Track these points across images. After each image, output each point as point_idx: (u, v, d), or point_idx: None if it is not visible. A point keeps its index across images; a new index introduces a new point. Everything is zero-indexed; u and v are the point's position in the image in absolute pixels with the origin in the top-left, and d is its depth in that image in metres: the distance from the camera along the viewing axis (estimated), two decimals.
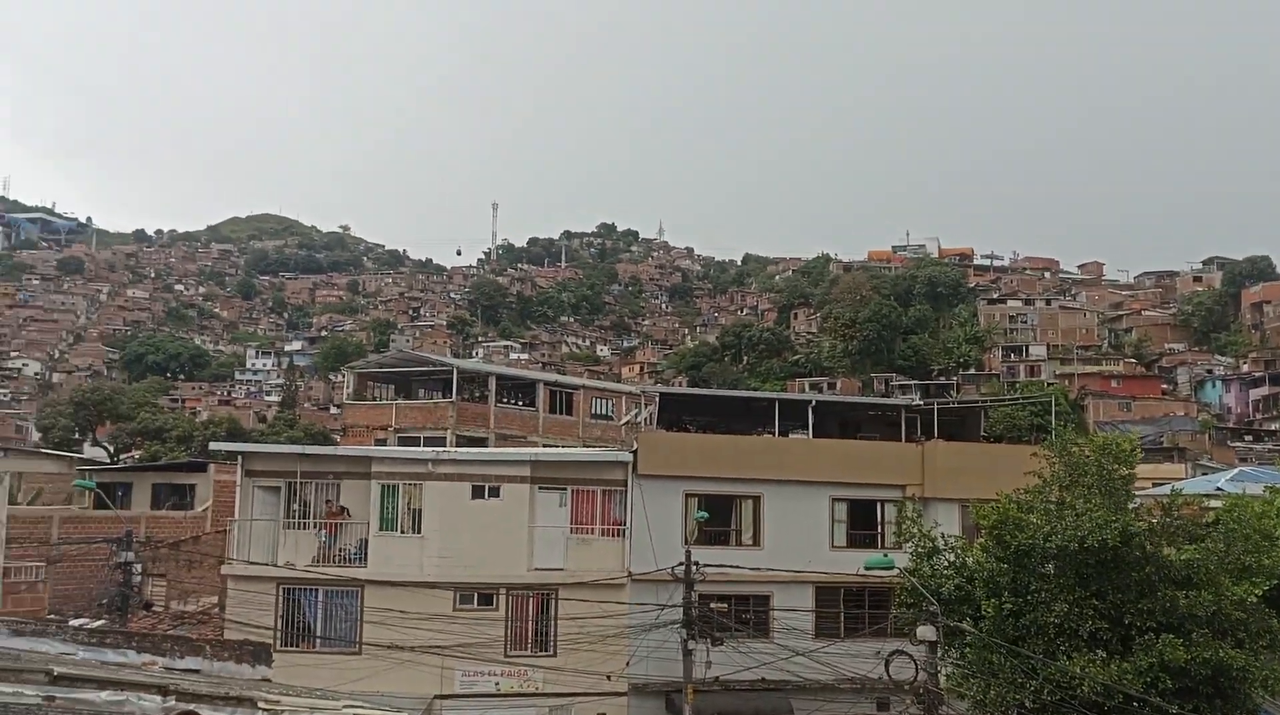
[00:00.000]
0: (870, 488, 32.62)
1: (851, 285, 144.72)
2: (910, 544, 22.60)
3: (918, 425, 39.91)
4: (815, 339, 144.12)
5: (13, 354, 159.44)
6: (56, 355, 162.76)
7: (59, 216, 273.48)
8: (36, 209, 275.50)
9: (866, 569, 22.72)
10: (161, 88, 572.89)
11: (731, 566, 29.45)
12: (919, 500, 29.04)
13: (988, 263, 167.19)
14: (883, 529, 32.19)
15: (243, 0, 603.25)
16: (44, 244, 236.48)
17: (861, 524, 32.78)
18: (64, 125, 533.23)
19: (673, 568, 28.78)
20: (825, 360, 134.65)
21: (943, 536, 22.55)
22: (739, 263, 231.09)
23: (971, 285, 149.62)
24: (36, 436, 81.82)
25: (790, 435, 38.74)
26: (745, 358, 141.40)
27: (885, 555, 23.88)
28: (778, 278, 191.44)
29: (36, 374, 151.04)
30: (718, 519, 32.11)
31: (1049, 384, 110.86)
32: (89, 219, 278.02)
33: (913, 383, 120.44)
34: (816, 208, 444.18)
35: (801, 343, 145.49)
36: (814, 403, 41.21)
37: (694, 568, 28.23)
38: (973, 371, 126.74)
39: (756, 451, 33.64)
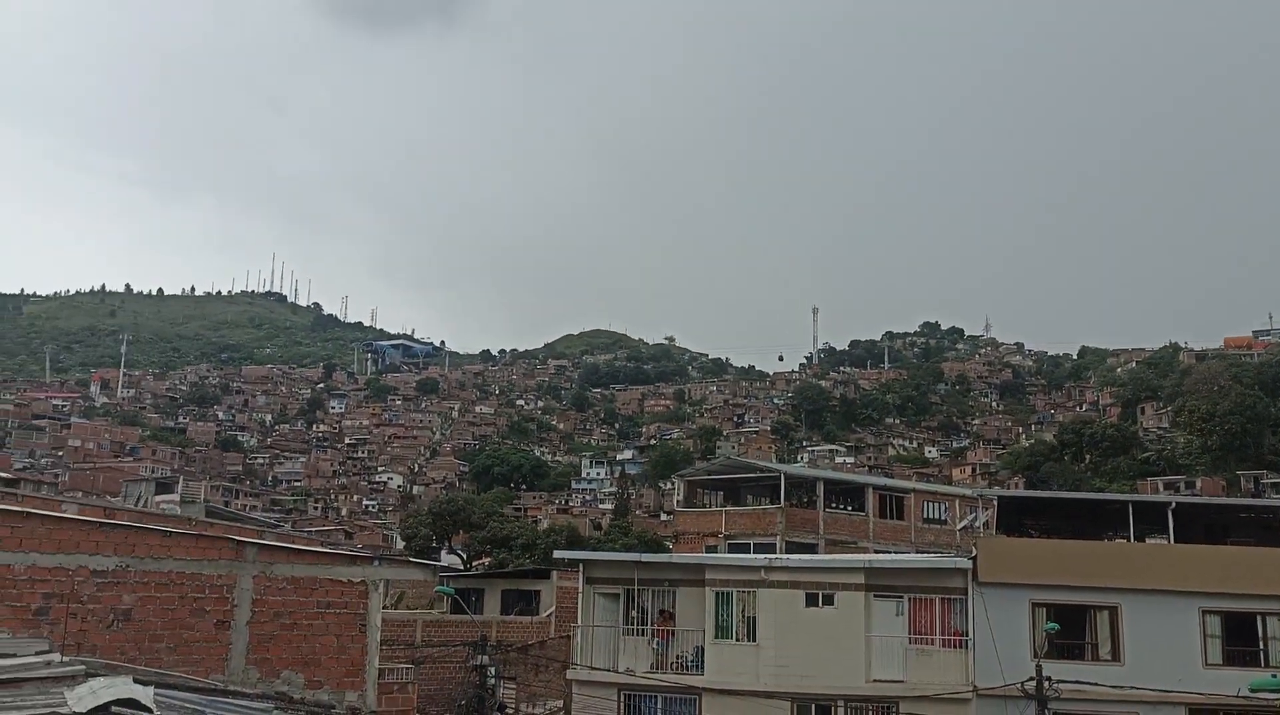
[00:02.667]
0: (1249, 599, 29.20)
1: (1207, 375, 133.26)
2: None
3: None
4: (1167, 435, 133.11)
5: (379, 468, 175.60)
6: (416, 468, 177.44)
7: (417, 342, 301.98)
8: (398, 336, 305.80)
9: (1252, 691, 20.32)
10: (501, 220, 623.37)
11: (1089, 683, 27.18)
12: None
13: None
14: (1266, 646, 28.69)
15: (562, 124, 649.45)
16: (405, 367, 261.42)
17: (1240, 640, 29.35)
18: (420, 260, 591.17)
19: (1022, 683, 26.93)
20: (1181, 458, 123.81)
21: None
22: (1074, 356, 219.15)
23: None
24: (400, 544, 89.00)
25: (1146, 540, 35.66)
26: (1087, 456, 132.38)
27: (1275, 676, 21.26)
28: (1119, 370, 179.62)
29: (399, 486, 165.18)
30: (1069, 631, 29.79)
31: None
32: (442, 343, 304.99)
33: None
34: (1158, 293, 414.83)
35: (1151, 439, 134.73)
36: (1174, 505, 37.76)
37: (1046, 683, 26.31)
38: None
39: (1111, 558, 31.15)
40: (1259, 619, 29.16)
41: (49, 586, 11.94)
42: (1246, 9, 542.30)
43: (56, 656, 9.56)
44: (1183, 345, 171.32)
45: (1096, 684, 27.46)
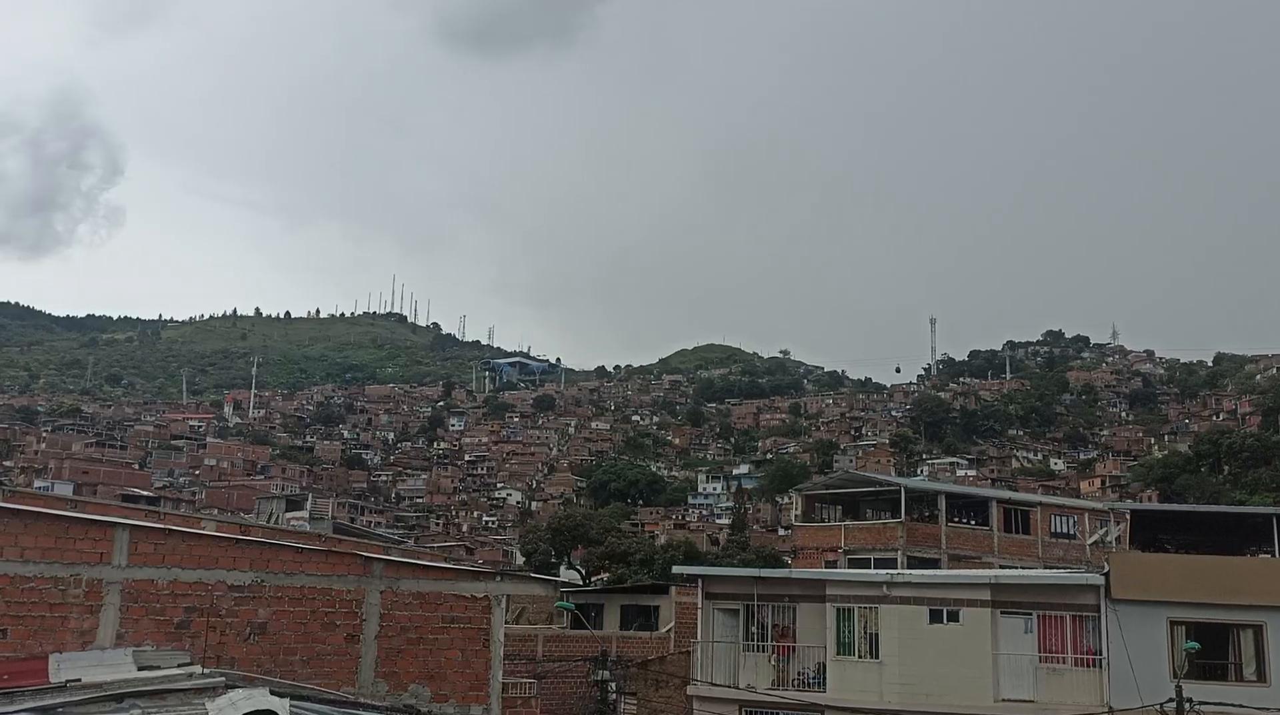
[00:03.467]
0: None
1: None
2: None
3: None
4: None
5: (498, 485, 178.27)
6: (534, 485, 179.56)
7: (533, 359, 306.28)
8: (515, 354, 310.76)
9: None
10: (614, 236, 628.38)
11: (1233, 705, 25.97)
12: None
13: None
14: None
15: (673, 139, 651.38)
16: (522, 385, 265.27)
17: None
18: (536, 278, 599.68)
19: (1161, 704, 25.87)
20: None
21: None
22: (1209, 363, 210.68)
23: None
24: (520, 560, 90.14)
25: None
26: (1226, 468, 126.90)
27: None
28: (1259, 377, 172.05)
29: (518, 502, 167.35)
30: (1210, 650, 28.48)
31: None
32: (558, 360, 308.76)
33: None
34: None
35: None
36: None
37: (1187, 705, 25.22)
38: None
39: (1255, 574, 29.74)
40: None
41: (190, 600, 12.42)
42: None
43: (197, 668, 9.94)
44: None
45: (1241, 706, 26.22)
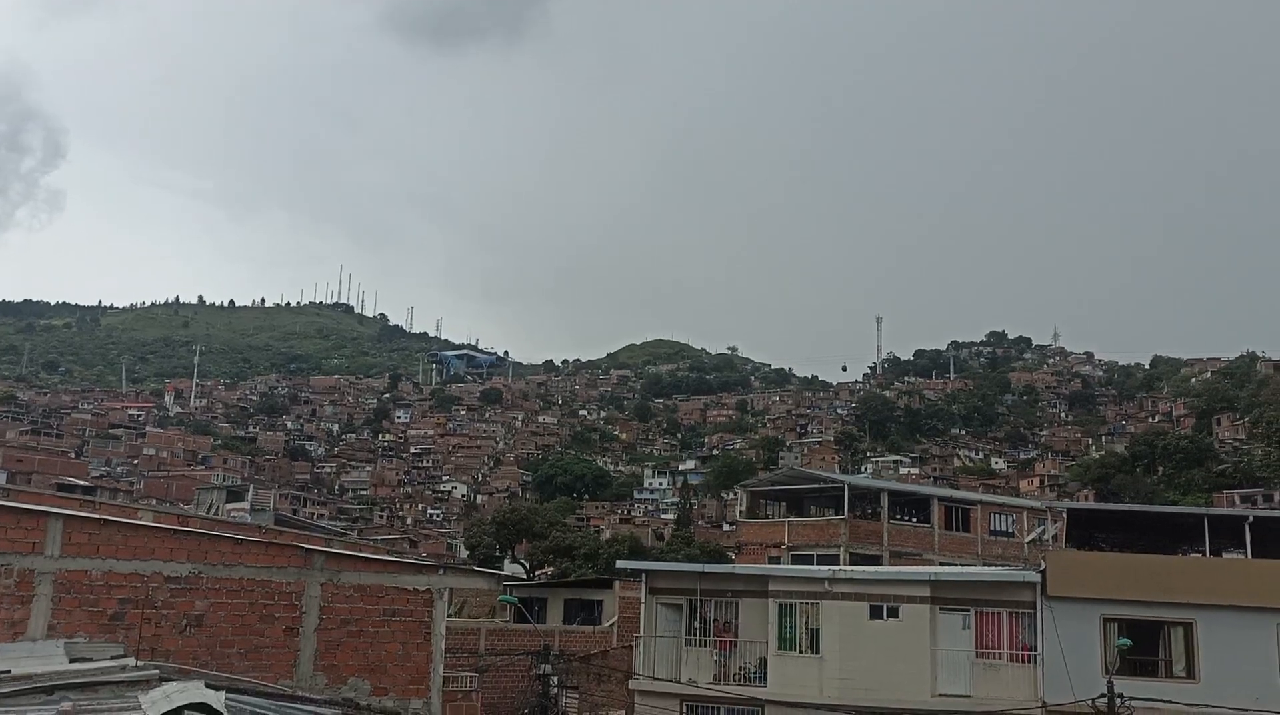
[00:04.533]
0: None
1: None
2: None
3: None
4: (1244, 446, 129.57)
5: (444, 478, 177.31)
6: (480, 478, 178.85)
7: (481, 352, 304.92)
8: (462, 346, 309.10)
9: None
10: (564, 231, 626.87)
11: (1162, 701, 26.54)
12: None
13: None
14: None
15: (625, 135, 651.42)
16: (469, 377, 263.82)
17: None
18: (485, 271, 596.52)
19: (1093, 700, 26.38)
20: (1258, 470, 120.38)
21: None
22: (1146, 366, 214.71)
23: None
24: (464, 553, 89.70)
25: (1223, 555, 34.78)
26: (1160, 468, 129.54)
27: None
28: (1194, 380, 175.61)
29: (463, 496, 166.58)
30: (1142, 647, 29.09)
31: None
32: (506, 353, 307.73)
33: None
34: (1234, 301, 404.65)
35: (1227, 451, 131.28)
36: (1251, 518, 36.75)
37: (1118, 700, 25.75)
38: None
39: (1186, 573, 30.38)
40: None
41: (125, 592, 12.24)
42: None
43: (131, 661, 9.80)
44: (1260, 354, 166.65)
45: (1171, 702, 26.82)
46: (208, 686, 8.58)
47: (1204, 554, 34.88)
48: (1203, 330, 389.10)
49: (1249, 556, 33.88)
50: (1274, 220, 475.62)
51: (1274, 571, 30.72)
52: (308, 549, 14.03)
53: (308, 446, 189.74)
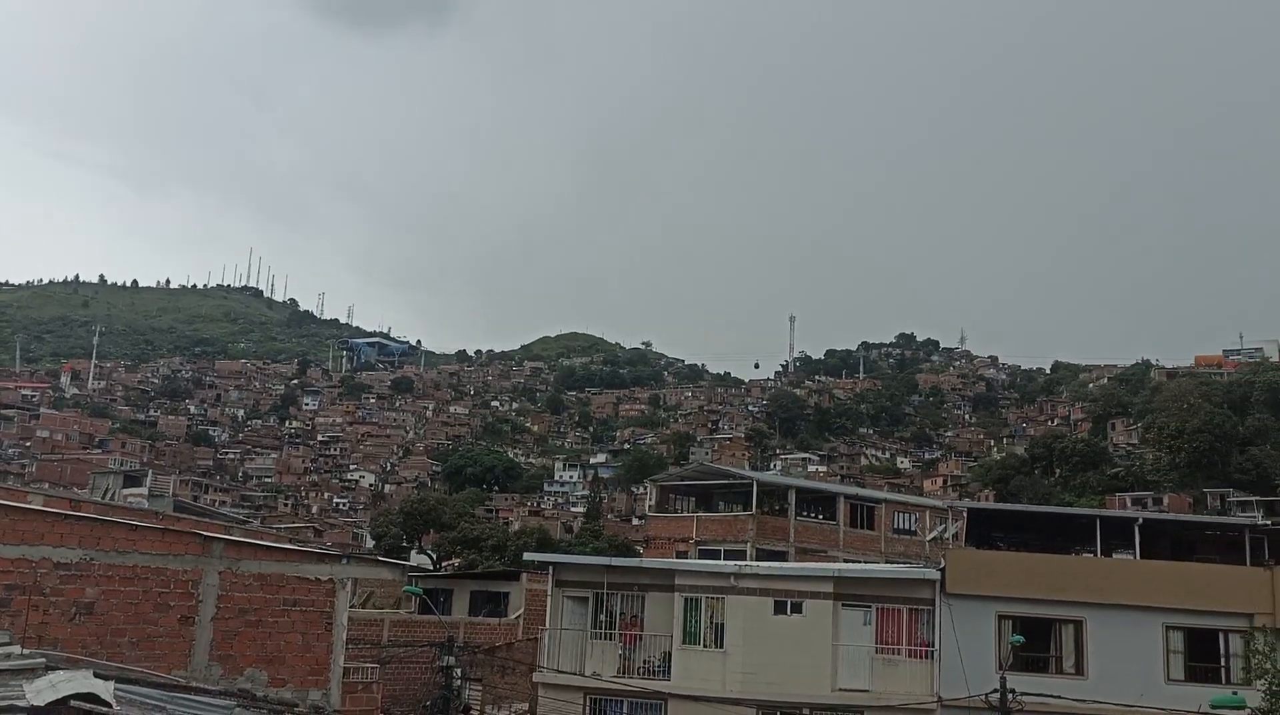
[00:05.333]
0: (1211, 616, 29.46)
1: (1177, 393, 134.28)
2: (1262, 681, 20.24)
3: (1265, 547, 35.98)
4: (1137, 451, 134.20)
5: (351, 466, 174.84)
6: (388, 467, 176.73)
7: (393, 340, 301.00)
8: (374, 334, 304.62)
9: (1213, 707, 20.47)
10: (481, 221, 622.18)
11: (1052, 696, 27.33)
12: (1270, 631, 26.05)
13: None
14: (1228, 663, 28.93)
15: (544, 126, 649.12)
16: (380, 366, 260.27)
17: (1201, 656, 29.60)
18: (399, 259, 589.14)
19: (986, 695, 27.09)
20: (1149, 474, 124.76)
21: None
22: (1048, 371, 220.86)
23: None
24: (370, 543, 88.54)
25: (1114, 555, 35.95)
26: (1057, 471, 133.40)
27: (1235, 694, 21.45)
28: (1092, 386, 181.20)
29: (371, 485, 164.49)
30: (1034, 644, 29.96)
31: None
32: (419, 342, 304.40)
33: (1254, 499, 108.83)
34: (1132, 311, 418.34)
35: (1121, 455, 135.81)
36: (1140, 521, 38.09)
37: (1010, 695, 26.47)
38: None
39: (1078, 572, 31.36)
40: (1221, 636, 29.41)
41: (11, 578, 11.84)
42: (1222, 29, 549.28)
43: (16, 649, 9.48)
44: (1154, 362, 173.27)
45: (1060, 697, 27.61)
46: (96, 676, 8.35)
47: (1096, 554, 35.98)
48: (1101, 338, 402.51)
49: (1138, 557, 35.09)
50: (1171, 232, 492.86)
51: (1160, 572, 31.88)
52: (206, 536, 13.72)
53: (211, 432, 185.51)
